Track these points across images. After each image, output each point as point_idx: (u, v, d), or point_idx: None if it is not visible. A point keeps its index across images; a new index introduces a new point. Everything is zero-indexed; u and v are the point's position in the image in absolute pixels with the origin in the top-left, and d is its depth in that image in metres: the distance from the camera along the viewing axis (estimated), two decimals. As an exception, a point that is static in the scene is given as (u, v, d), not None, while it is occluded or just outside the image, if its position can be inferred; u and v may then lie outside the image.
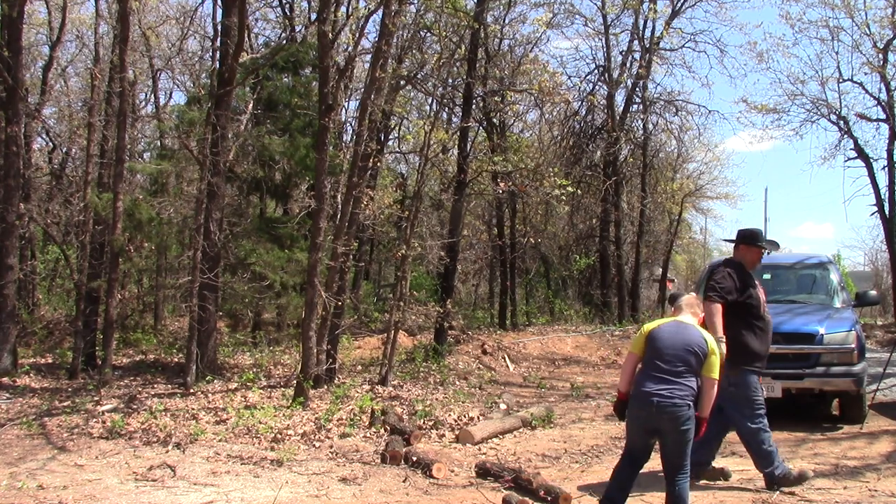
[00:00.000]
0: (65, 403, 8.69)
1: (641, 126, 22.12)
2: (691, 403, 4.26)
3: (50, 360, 12.27)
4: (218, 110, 9.89)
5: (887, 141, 18.65)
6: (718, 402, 5.55)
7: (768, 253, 6.31)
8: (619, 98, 21.15)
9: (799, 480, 5.28)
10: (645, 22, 21.06)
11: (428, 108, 19.76)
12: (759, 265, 5.87)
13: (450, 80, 14.35)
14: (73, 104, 18.89)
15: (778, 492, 5.25)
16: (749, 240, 5.74)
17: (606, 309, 20.21)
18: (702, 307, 4.86)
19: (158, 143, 15.77)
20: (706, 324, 5.24)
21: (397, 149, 22.58)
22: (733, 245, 5.87)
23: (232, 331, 15.72)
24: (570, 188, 14.87)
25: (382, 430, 7.45)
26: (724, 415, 5.55)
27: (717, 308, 5.31)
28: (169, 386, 9.90)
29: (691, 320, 4.57)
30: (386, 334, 11.19)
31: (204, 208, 9.69)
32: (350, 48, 11.30)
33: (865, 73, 18.73)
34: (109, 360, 10.07)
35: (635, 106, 21.76)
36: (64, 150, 19.24)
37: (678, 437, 4.28)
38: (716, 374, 4.37)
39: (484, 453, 6.89)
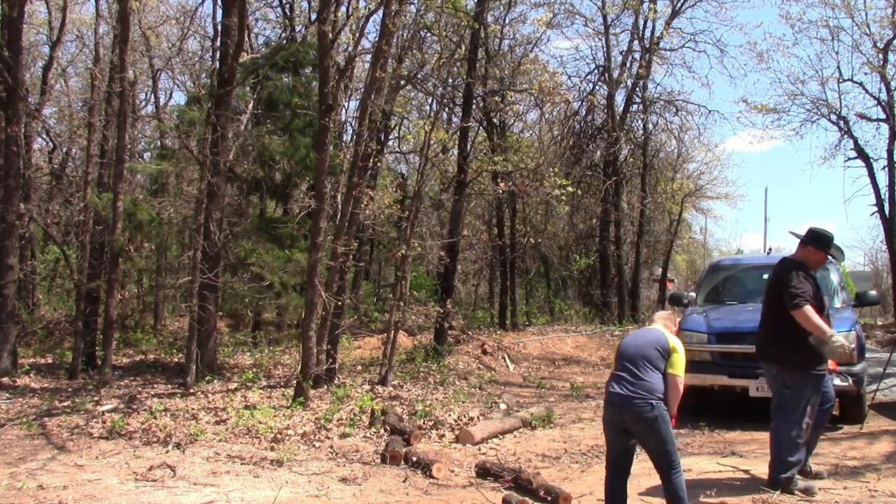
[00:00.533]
0: (65, 403, 8.69)
1: (641, 126, 22.11)
2: (654, 402, 4.27)
3: (50, 360, 12.27)
4: (218, 110, 9.89)
5: (887, 141, 18.66)
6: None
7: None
8: (619, 98, 21.16)
9: (804, 492, 5.24)
10: (645, 22, 21.07)
11: (428, 108, 19.77)
12: (820, 268, 5.68)
13: (450, 80, 14.34)
14: (73, 104, 18.88)
15: (778, 492, 5.25)
16: (822, 243, 5.48)
17: (606, 309, 20.20)
18: (675, 322, 4.81)
19: (158, 143, 15.75)
20: (808, 329, 5.13)
21: (397, 149, 22.60)
22: (800, 241, 5.58)
23: (232, 331, 15.74)
24: (570, 188, 14.84)
25: (382, 430, 7.45)
26: (818, 410, 5.46)
27: (810, 309, 5.15)
28: (169, 386, 9.90)
29: (658, 327, 4.61)
30: (386, 334, 11.19)
31: (204, 208, 9.69)
32: (350, 48, 11.30)
33: (865, 73, 18.76)
34: (109, 360, 10.07)
35: (635, 106, 21.75)
36: (64, 150, 19.25)
37: (650, 435, 4.32)
38: (678, 371, 4.38)
39: (484, 453, 6.89)
